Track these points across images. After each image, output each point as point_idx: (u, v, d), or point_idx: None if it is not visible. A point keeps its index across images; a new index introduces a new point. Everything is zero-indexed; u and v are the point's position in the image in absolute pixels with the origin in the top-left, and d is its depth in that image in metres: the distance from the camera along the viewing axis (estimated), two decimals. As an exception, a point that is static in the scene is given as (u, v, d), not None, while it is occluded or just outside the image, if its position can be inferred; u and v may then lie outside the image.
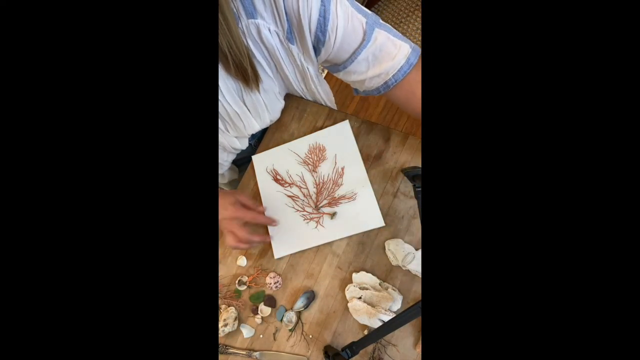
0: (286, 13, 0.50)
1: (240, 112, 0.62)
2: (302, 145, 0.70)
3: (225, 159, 0.73)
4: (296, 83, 0.65)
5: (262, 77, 0.58)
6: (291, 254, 0.65)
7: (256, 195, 0.70)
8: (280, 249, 0.65)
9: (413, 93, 0.54)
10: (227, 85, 0.57)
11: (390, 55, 0.52)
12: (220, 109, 0.60)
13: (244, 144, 0.71)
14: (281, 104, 0.69)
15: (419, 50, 0.53)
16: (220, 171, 0.76)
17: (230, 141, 0.67)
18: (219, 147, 0.68)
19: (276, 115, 0.70)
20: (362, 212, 0.63)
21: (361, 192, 0.64)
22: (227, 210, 0.59)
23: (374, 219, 0.62)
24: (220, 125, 0.63)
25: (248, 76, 0.55)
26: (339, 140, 0.68)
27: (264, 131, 0.75)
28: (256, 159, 0.73)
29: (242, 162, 0.80)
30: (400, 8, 1.85)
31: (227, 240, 0.60)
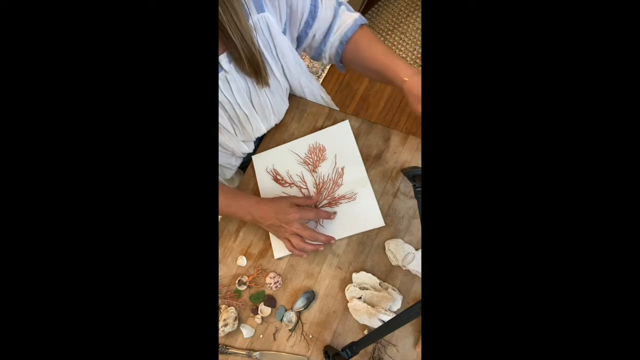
0: (285, 4, 0.55)
1: (249, 113, 0.63)
2: (302, 145, 0.70)
3: (233, 164, 0.74)
4: (297, 78, 0.67)
5: (270, 75, 0.60)
6: (291, 254, 0.65)
7: (256, 195, 0.70)
8: (280, 249, 0.65)
9: (360, 47, 0.63)
10: (237, 86, 0.58)
11: (345, 19, 0.63)
12: (231, 112, 0.61)
13: (250, 148, 0.72)
14: (286, 105, 0.71)
15: (365, 20, 0.65)
16: (228, 175, 0.77)
17: (239, 146, 0.69)
18: (228, 153, 0.70)
19: (281, 117, 0.72)
20: (362, 212, 0.63)
21: (361, 192, 0.64)
22: (289, 214, 0.59)
23: (374, 219, 0.62)
24: (230, 129, 0.64)
25: (260, 69, 0.56)
26: (339, 140, 0.69)
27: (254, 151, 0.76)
28: (256, 159, 0.73)
29: (246, 165, 0.81)
30: (400, 8, 1.85)
31: (294, 243, 0.60)
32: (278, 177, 0.70)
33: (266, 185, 0.70)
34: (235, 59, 0.54)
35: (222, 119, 0.62)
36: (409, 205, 0.63)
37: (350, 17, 0.63)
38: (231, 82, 0.57)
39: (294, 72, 0.65)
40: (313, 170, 0.68)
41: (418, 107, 0.51)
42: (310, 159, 0.69)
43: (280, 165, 0.70)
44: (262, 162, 0.72)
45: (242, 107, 0.61)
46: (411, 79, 0.53)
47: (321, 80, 1.73)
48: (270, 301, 0.63)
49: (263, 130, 0.69)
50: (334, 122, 0.70)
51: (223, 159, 0.70)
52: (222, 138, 0.65)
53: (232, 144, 0.67)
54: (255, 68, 0.56)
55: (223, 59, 0.54)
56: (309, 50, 0.67)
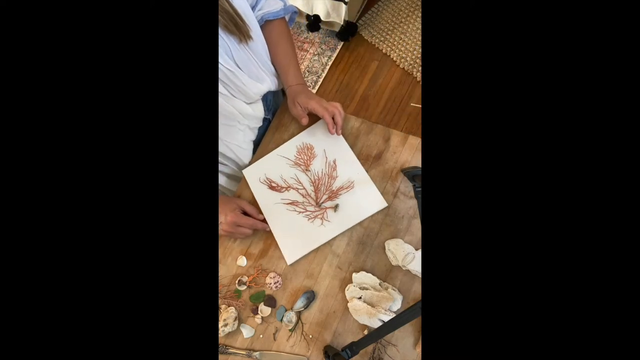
0: None
1: (234, 69, 0.61)
2: (289, 148, 0.71)
3: (242, 140, 0.71)
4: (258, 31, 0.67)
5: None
6: (302, 257, 0.64)
7: (255, 207, 0.69)
8: (292, 254, 0.64)
9: (270, 36, 0.69)
10: None
11: (271, 3, 0.68)
12: None
13: (258, 111, 0.70)
14: (271, 66, 0.70)
15: (293, 9, 0.72)
16: (245, 159, 0.74)
17: (241, 108, 0.66)
18: (232, 123, 0.67)
19: (273, 72, 0.72)
20: (363, 198, 0.64)
21: (357, 180, 0.65)
22: (227, 217, 0.62)
23: (376, 202, 0.63)
24: (224, 90, 0.62)
25: (237, 20, 0.56)
26: (325, 135, 0.69)
27: (270, 121, 0.75)
28: (247, 172, 0.71)
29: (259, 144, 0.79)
30: (400, 8, 1.85)
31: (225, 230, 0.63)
32: (273, 184, 0.69)
33: (263, 196, 0.69)
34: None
35: None
36: (409, 205, 0.63)
37: (277, 4, 0.68)
38: None
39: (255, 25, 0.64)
40: (306, 170, 0.69)
41: (293, 109, 0.69)
42: (301, 159, 0.69)
43: (272, 173, 0.70)
44: (254, 174, 0.71)
45: (224, 64, 0.59)
46: (295, 87, 0.70)
47: (321, 80, 1.73)
48: (270, 301, 0.63)
49: (263, 89, 0.68)
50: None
51: (231, 135, 0.67)
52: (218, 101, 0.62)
53: (229, 106, 0.64)
54: (233, 21, 0.55)
55: None
56: None
